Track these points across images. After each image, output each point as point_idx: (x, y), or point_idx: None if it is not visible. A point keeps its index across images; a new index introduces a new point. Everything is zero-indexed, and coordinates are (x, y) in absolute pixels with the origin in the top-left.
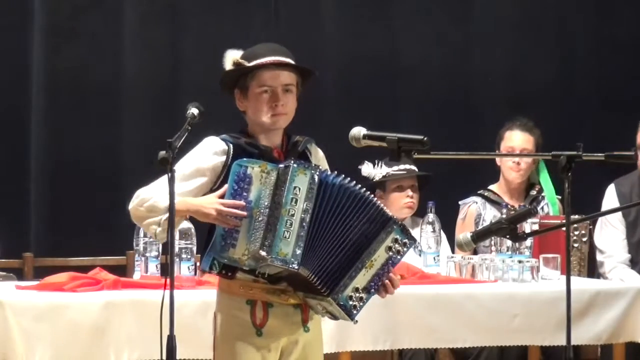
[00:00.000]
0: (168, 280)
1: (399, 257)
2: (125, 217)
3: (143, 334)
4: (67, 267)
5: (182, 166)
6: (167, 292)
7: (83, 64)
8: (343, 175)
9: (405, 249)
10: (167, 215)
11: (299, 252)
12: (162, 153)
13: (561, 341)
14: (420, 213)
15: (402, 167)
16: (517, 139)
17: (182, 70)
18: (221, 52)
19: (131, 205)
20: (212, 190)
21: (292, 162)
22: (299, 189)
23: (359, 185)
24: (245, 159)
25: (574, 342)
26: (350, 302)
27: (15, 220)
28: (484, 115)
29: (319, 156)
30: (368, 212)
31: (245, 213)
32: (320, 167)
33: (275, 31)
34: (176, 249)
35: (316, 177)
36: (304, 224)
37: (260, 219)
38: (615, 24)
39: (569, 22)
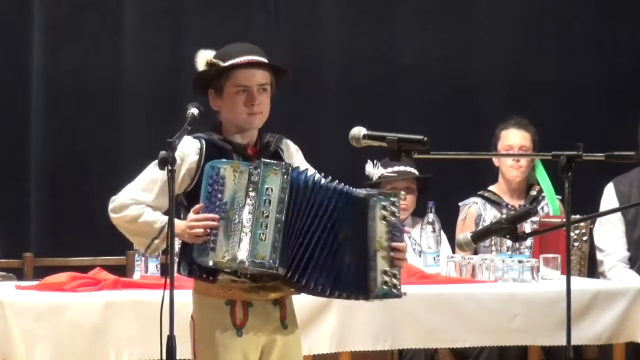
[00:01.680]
0: (168, 280)
1: (394, 218)
2: None
3: (143, 334)
4: (67, 267)
5: (156, 173)
6: (167, 292)
7: (83, 64)
8: (314, 171)
9: (395, 207)
10: (158, 240)
11: (275, 253)
12: (162, 153)
13: (561, 341)
14: (420, 213)
15: (396, 168)
16: (514, 136)
17: (182, 70)
18: None
19: (117, 215)
20: (185, 191)
21: (262, 162)
22: (271, 189)
23: (329, 178)
24: (217, 160)
25: (574, 342)
26: (387, 287)
27: (15, 220)
28: (484, 115)
29: (291, 152)
30: (344, 201)
31: (216, 223)
32: (292, 165)
33: (275, 31)
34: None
35: (287, 176)
36: (279, 224)
37: (236, 220)
38: (615, 24)
39: (569, 22)
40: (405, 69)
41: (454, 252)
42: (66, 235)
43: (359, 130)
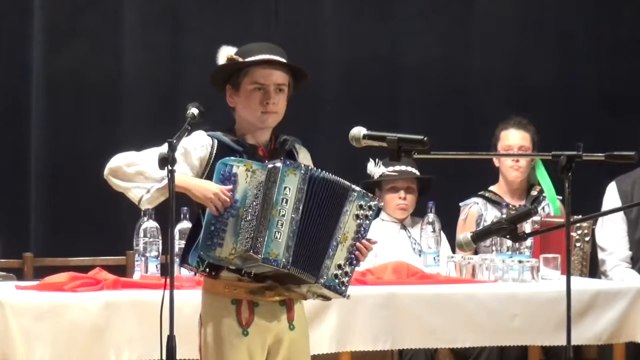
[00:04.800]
0: (168, 280)
1: (367, 221)
2: (125, 217)
3: (143, 334)
4: (67, 267)
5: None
6: (167, 292)
7: (83, 64)
8: (327, 172)
9: (372, 212)
10: (160, 185)
11: (289, 252)
12: (162, 153)
13: (561, 341)
14: (420, 213)
15: (397, 168)
16: (513, 137)
17: (182, 70)
18: None
19: (114, 164)
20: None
21: (282, 161)
22: (289, 189)
23: (341, 179)
24: (230, 157)
25: (574, 342)
26: (337, 280)
27: (15, 220)
28: (484, 116)
29: (307, 156)
30: (336, 192)
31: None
32: (309, 166)
33: (275, 31)
34: (176, 249)
35: (306, 177)
36: (294, 223)
37: (248, 218)
38: (615, 24)
39: (569, 22)
40: (405, 69)
41: (454, 252)
42: (66, 235)
43: (359, 130)
